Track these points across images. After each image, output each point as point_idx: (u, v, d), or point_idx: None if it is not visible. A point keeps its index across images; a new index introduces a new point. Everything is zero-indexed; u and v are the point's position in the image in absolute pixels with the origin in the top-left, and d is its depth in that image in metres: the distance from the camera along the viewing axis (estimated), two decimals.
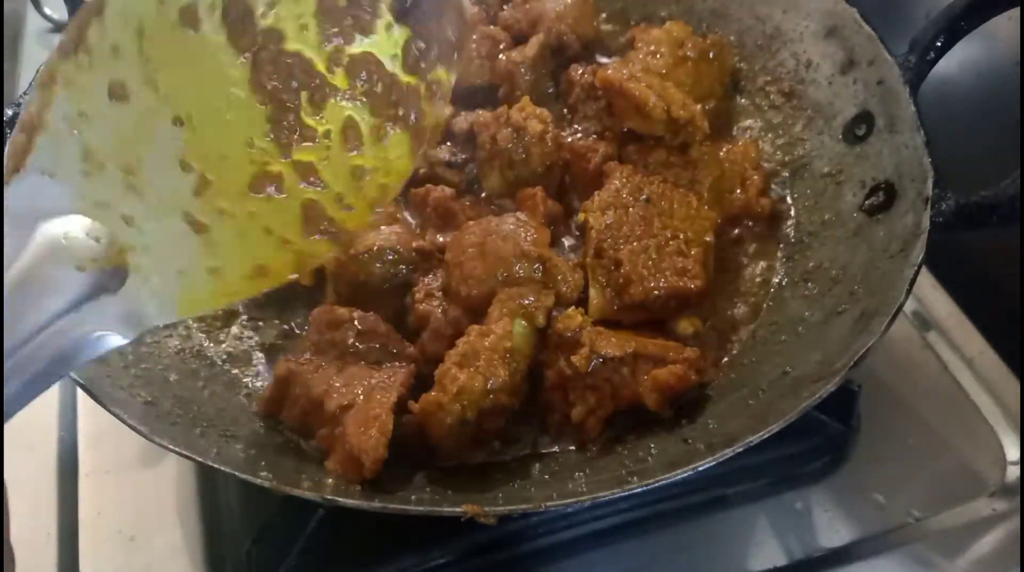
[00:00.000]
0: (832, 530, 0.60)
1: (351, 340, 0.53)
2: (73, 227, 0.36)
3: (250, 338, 0.60)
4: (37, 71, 0.38)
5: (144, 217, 0.37)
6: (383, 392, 0.50)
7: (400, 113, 0.43)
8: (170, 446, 0.44)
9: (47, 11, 0.93)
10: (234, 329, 0.60)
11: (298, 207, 0.41)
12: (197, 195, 0.39)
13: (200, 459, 0.44)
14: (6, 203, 0.35)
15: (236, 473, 0.43)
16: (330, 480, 0.47)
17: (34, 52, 0.90)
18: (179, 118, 0.38)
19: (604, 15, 0.78)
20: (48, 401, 0.67)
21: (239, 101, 0.40)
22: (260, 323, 0.61)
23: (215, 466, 0.43)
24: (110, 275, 0.37)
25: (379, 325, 0.54)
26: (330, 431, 0.50)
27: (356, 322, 0.53)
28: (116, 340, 0.37)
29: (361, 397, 0.50)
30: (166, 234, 0.38)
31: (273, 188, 0.40)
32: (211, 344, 0.59)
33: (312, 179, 0.41)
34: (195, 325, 0.60)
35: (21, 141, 0.35)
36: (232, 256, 0.40)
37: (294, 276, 0.41)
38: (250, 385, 0.57)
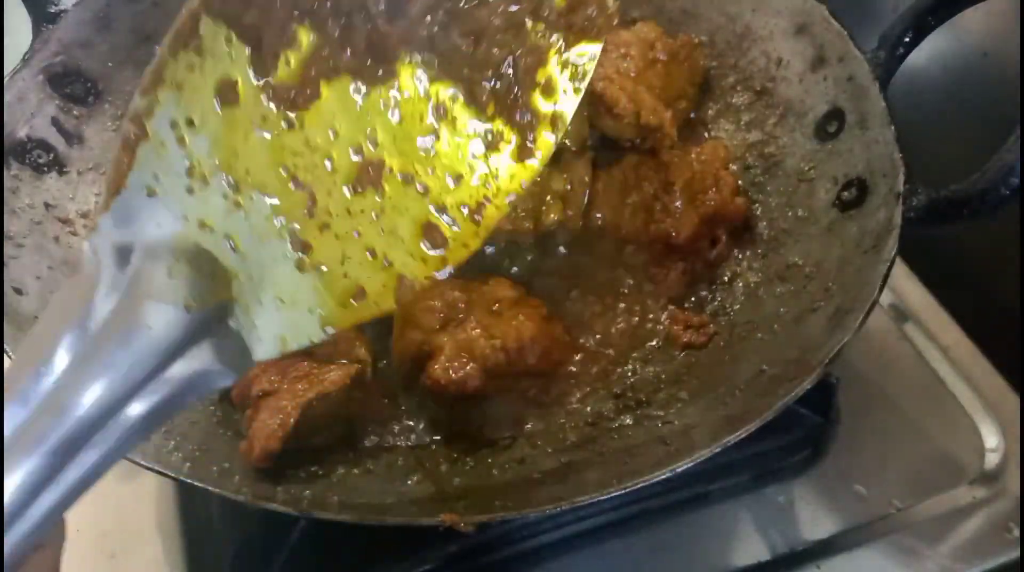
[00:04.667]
0: (815, 523, 0.61)
1: None
2: (177, 258, 0.32)
3: None
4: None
5: (248, 239, 0.34)
6: (307, 385, 0.49)
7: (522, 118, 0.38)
8: (141, 461, 0.43)
9: None
10: None
11: (402, 223, 0.37)
12: (303, 209, 0.35)
13: (172, 474, 0.43)
14: (101, 231, 0.31)
15: (209, 488, 0.43)
16: (307, 492, 0.47)
17: None
18: (291, 120, 0.34)
19: None
20: None
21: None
22: None
23: (187, 481, 0.43)
24: (215, 313, 0.33)
25: None
26: (251, 414, 0.50)
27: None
28: (216, 384, 0.33)
29: (284, 386, 0.49)
30: (269, 258, 0.34)
31: (376, 193, 0.36)
32: None
33: (414, 178, 0.37)
34: None
35: (121, 158, 0.32)
36: (332, 282, 0.36)
37: (390, 305, 0.37)
38: (224, 396, 0.56)
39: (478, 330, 0.54)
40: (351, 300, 0.37)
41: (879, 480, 0.63)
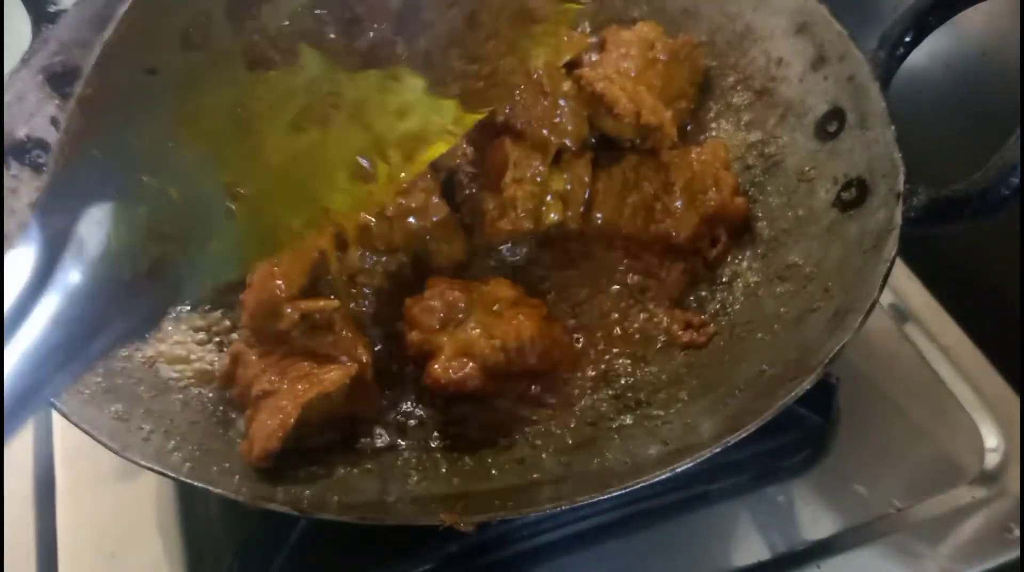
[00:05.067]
0: (815, 522, 0.60)
1: (292, 331, 0.52)
2: (117, 221, 0.31)
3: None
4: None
5: (186, 190, 0.33)
6: (307, 385, 0.49)
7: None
8: (141, 462, 0.43)
9: None
10: (208, 341, 0.60)
11: (339, 157, 0.37)
12: (247, 150, 0.34)
13: (172, 474, 0.43)
14: (45, 203, 0.30)
15: (209, 488, 0.43)
16: (307, 491, 0.47)
17: None
18: (253, 62, 0.33)
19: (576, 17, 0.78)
20: None
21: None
22: (234, 335, 0.60)
23: (187, 481, 0.43)
24: (149, 269, 0.32)
25: (333, 320, 0.53)
26: (251, 414, 0.50)
27: (296, 314, 0.51)
28: (146, 332, 0.34)
29: (284, 386, 0.49)
30: (204, 207, 0.34)
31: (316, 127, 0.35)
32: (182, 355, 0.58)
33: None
34: (161, 337, 0.59)
35: (71, 124, 0.31)
36: (261, 221, 0.36)
37: (311, 239, 0.38)
38: (224, 396, 0.56)
39: (478, 330, 0.55)
40: (276, 236, 0.37)
41: (879, 480, 0.63)
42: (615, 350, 0.60)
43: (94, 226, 0.31)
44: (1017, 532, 0.60)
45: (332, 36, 0.36)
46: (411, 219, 0.59)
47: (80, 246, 0.30)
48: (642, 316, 0.62)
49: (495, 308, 0.57)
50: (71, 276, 0.30)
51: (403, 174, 0.40)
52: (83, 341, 0.31)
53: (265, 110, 0.35)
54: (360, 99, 0.37)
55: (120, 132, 0.32)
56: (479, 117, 0.42)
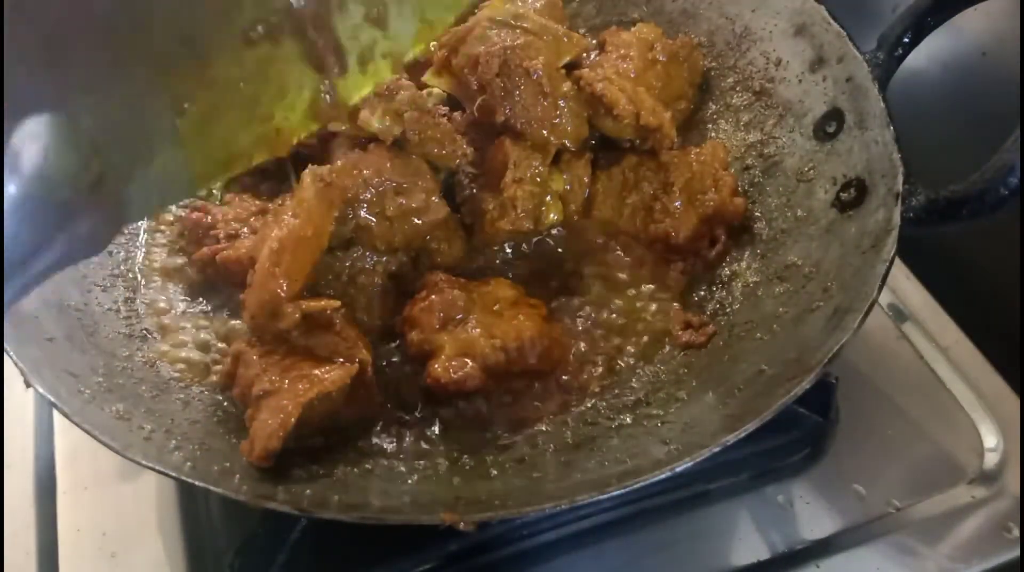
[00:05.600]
0: (814, 522, 0.61)
1: (293, 331, 0.52)
2: (54, 136, 0.29)
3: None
4: None
5: (125, 99, 0.32)
6: (307, 385, 0.49)
7: None
8: (143, 461, 0.43)
9: None
10: (209, 341, 0.60)
11: (291, 74, 0.36)
12: (195, 67, 0.33)
13: (174, 474, 0.43)
14: None
15: (210, 487, 0.43)
16: (308, 491, 0.47)
17: None
18: None
19: (576, 18, 0.78)
20: (23, 418, 0.67)
21: None
22: (231, 322, 0.60)
23: (188, 480, 0.43)
24: (89, 186, 0.31)
25: (333, 320, 0.53)
26: (252, 413, 0.50)
27: (297, 313, 0.51)
28: (89, 253, 0.32)
29: (285, 386, 0.49)
30: (146, 118, 0.33)
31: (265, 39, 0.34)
32: (183, 354, 0.59)
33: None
34: (162, 336, 0.59)
35: (9, 26, 0.29)
36: (209, 140, 0.35)
37: (262, 157, 0.37)
38: (225, 396, 0.56)
39: (478, 330, 0.55)
40: (225, 156, 0.36)
41: (878, 480, 0.63)
42: (615, 350, 0.60)
43: (29, 139, 0.30)
44: (1016, 532, 0.60)
45: None
46: (411, 219, 0.59)
47: (15, 159, 0.29)
48: (641, 316, 0.62)
49: (495, 308, 0.57)
50: (6, 189, 0.29)
51: (354, 94, 0.39)
52: (21, 259, 0.30)
53: (211, 21, 0.34)
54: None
55: (56, 41, 0.30)
56: (435, 35, 0.42)
